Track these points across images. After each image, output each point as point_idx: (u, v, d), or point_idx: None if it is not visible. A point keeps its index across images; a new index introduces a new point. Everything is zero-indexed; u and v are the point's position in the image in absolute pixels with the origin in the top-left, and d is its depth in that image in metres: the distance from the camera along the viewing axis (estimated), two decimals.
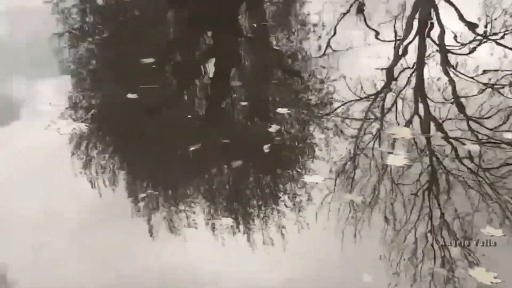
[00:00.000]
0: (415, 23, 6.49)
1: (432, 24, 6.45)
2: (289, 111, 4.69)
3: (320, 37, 6.27)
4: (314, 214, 3.64)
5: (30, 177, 4.00)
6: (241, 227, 3.59)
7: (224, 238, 3.50)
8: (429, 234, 3.46)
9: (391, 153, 4.13)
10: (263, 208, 3.76)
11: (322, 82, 5.26)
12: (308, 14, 6.90)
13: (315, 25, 6.58)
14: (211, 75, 5.51)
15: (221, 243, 3.46)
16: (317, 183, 3.89)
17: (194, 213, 3.72)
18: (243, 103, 4.93)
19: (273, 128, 4.48)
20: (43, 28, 6.36)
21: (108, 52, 5.98)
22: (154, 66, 5.45)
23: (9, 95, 5.05)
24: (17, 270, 3.25)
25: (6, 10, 6.94)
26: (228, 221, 3.59)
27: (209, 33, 6.40)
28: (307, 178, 3.95)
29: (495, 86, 5.05)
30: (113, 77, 5.33)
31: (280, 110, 4.70)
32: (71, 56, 5.83)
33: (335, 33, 6.31)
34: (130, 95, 4.86)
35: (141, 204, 3.76)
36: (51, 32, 6.23)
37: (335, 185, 3.89)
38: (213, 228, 3.58)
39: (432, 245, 3.38)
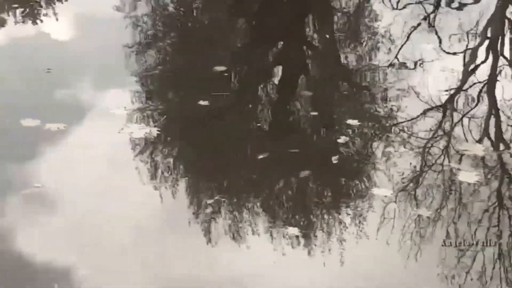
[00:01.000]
0: (487, 38, 6.40)
1: (504, 39, 6.34)
2: (359, 123, 4.69)
3: (389, 49, 6.24)
4: (380, 228, 3.63)
5: (99, 178, 4.11)
6: (304, 237, 3.60)
7: (285, 247, 3.51)
8: (497, 255, 3.41)
9: (462, 169, 4.09)
10: (329, 220, 3.77)
11: (390, 95, 5.24)
12: (378, 27, 6.87)
13: (384, 37, 6.55)
14: (279, 84, 5.55)
15: (282, 253, 3.48)
16: (385, 196, 3.88)
17: (257, 221, 3.75)
18: (313, 113, 4.96)
19: (342, 139, 4.49)
20: (114, 35, 6.53)
21: (180, 59, 6.08)
22: (226, 74, 5.53)
23: (84, 99, 5.19)
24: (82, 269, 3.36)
25: (78, 18, 7.14)
26: (293, 230, 3.60)
27: (278, 43, 6.45)
28: (375, 191, 3.95)
29: None
30: (186, 84, 5.43)
31: (350, 121, 4.70)
32: (143, 62, 5.96)
33: (404, 46, 6.27)
34: (201, 102, 4.94)
35: (206, 210, 3.81)
36: (122, 39, 6.38)
37: (403, 199, 3.88)
38: (275, 237, 3.60)
39: (500, 267, 3.33)
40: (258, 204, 3.94)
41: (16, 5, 7.18)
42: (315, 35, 6.91)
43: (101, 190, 3.99)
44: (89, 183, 4.06)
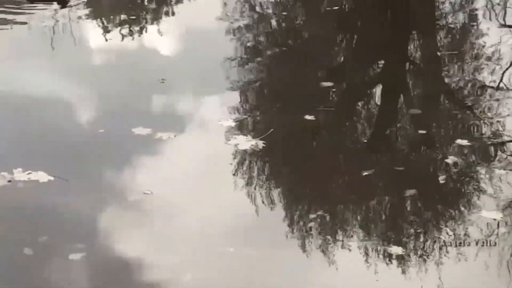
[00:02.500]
0: None
1: None
2: (468, 143, 4.57)
3: (495, 69, 6.04)
4: (482, 250, 3.52)
5: (205, 187, 4.20)
6: (405, 257, 3.53)
7: (383, 266, 3.46)
8: None
9: None
10: (430, 240, 3.69)
11: (497, 115, 5.07)
12: (484, 46, 6.66)
13: (491, 56, 6.34)
14: (385, 101, 5.49)
15: (377, 271, 3.43)
16: (494, 219, 3.76)
17: (357, 238, 3.71)
18: (421, 131, 4.88)
19: (450, 159, 4.38)
20: (218, 48, 6.67)
21: (285, 73, 6.12)
22: (333, 89, 5.53)
23: (194, 109, 5.33)
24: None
25: (184, 31, 7.32)
26: (395, 249, 3.55)
27: (382, 59, 6.38)
28: (483, 213, 3.82)
29: None
30: (292, 98, 5.47)
31: (459, 141, 4.58)
32: (247, 75, 6.05)
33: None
34: (308, 116, 4.97)
35: (308, 224, 3.82)
36: (226, 51, 6.51)
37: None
38: (373, 255, 3.56)
39: None
40: (360, 221, 3.91)
41: (126, 19, 7.46)
42: (419, 52, 6.79)
43: (206, 199, 4.07)
44: (194, 191, 4.16)
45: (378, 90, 5.70)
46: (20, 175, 4.08)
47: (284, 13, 7.68)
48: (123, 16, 7.51)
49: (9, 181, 4.02)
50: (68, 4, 7.61)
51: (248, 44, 6.80)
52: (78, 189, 4.11)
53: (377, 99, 5.53)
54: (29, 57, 6.32)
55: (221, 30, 7.09)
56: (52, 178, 4.09)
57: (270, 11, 7.84)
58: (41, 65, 6.13)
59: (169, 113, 5.21)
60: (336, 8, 7.81)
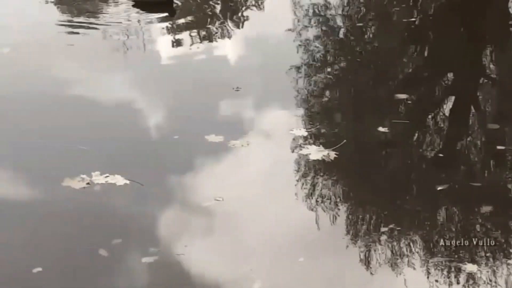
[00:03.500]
0: None
1: None
2: None
3: None
4: None
5: (275, 196, 4.21)
6: (478, 275, 3.46)
7: (452, 283, 3.41)
8: None
9: None
10: (509, 259, 3.59)
11: None
12: None
13: None
14: (460, 115, 5.39)
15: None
16: None
17: (425, 253, 3.64)
18: (499, 147, 4.76)
19: None
20: (288, 57, 6.66)
21: (356, 83, 6.09)
22: (409, 102, 5.47)
23: (266, 118, 5.35)
24: None
25: (254, 40, 7.37)
26: (470, 267, 3.47)
27: (456, 72, 6.26)
28: None
29: None
30: (366, 109, 5.44)
31: None
32: (317, 85, 6.02)
33: None
34: (381, 129, 4.92)
35: (382, 237, 3.78)
36: (297, 60, 6.50)
37: None
38: (443, 271, 3.50)
39: None
40: (432, 236, 3.83)
41: (197, 28, 7.55)
42: (495, 65, 6.62)
43: (276, 207, 4.08)
44: (265, 199, 4.17)
45: (453, 103, 5.59)
46: (98, 178, 4.18)
47: (358, 24, 7.65)
48: (195, 24, 7.62)
49: (88, 183, 4.12)
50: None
51: (320, 55, 6.79)
52: (152, 193, 4.18)
53: (452, 113, 5.42)
54: (104, 62, 6.47)
55: (291, 40, 7.11)
56: (128, 181, 4.17)
57: (340, 22, 7.82)
58: (116, 70, 6.28)
59: (241, 121, 5.25)
60: (410, 19, 7.72)
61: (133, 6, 7.91)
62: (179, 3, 8.03)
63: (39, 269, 3.41)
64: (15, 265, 3.50)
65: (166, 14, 7.64)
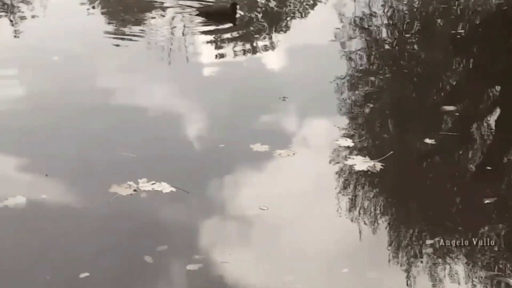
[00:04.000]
0: None
1: None
2: None
3: None
4: None
5: (318, 205, 4.21)
6: None
7: None
8: None
9: None
10: None
11: None
12: None
13: None
14: (508, 128, 5.30)
15: None
16: None
17: (467, 269, 3.60)
18: None
19: None
20: (333, 67, 6.67)
21: (402, 94, 6.05)
22: (457, 114, 5.42)
23: (312, 127, 5.35)
24: None
25: (296, 49, 7.38)
26: None
27: (502, 83, 6.17)
28: None
29: None
30: (412, 121, 5.40)
31: None
32: (363, 95, 6.01)
33: None
34: (428, 140, 4.88)
35: (426, 251, 3.74)
36: (342, 70, 6.51)
37: None
38: (485, 285, 3.45)
39: None
40: (478, 251, 3.77)
41: (246, 39, 7.60)
42: None
43: (320, 217, 4.08)
44: (310, 209, 4.16)
45: (500, 115, 5.51)
46: (144, 185, 4.23)
47: (404, 35, 7.60)
48: (247, 35, 7.67)
49: (135, 190, 4.18)
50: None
51: (365, 65, 6.77)
52: (198, 201, 4.21)
53: (499, 125, 5.34)
54: (150, 71, 6.55)
55: (336, 50, 7.10)
56: (174, 189, 4.22)
57: (385, 33, 7.79)
58: (162, 79, 6.34)
59: (287, 131, 5.26)
60: (456, 31, 7.65)
61: (197, 15, 8.10)
62: (241, 13, 8.19)
63: (86, 274, 3.46)
64: (63, 270, 3.56)
65: (230, 24, 7.80)
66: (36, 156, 4.73)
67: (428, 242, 3.80)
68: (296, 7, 9.02)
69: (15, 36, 7.53)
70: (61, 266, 3.60)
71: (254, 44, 7.39)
